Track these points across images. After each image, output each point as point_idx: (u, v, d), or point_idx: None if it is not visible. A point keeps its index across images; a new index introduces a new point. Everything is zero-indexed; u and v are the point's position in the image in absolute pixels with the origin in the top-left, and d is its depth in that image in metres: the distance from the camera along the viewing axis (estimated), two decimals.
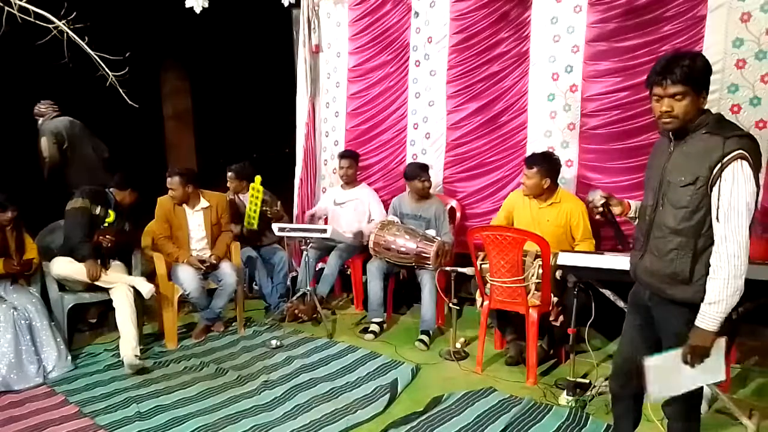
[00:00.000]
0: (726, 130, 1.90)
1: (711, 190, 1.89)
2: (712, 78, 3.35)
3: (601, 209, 2.28)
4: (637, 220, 2.26)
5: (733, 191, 1.85)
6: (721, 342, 1.94)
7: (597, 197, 2.29)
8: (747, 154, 1.86)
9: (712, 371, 1.98)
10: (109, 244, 3.84)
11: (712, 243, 1.91)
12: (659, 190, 2.04)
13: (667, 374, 2.01)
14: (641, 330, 2.19)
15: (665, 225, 2.00)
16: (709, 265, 1.91)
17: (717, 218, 1.88)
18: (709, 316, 1.90)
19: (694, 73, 1.92)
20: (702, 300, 1.92)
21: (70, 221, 3.83)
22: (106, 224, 3.92)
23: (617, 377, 2.32)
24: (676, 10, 3.44)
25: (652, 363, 2.01)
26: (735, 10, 3.26)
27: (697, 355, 1.94)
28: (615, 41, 3.68)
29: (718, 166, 1.86)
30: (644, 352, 2.14)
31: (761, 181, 3.20)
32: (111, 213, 3.95)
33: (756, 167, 1.88)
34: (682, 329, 1.99)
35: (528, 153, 4.05)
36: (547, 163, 3.55)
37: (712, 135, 1.90)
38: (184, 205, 4.20)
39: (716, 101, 3.35)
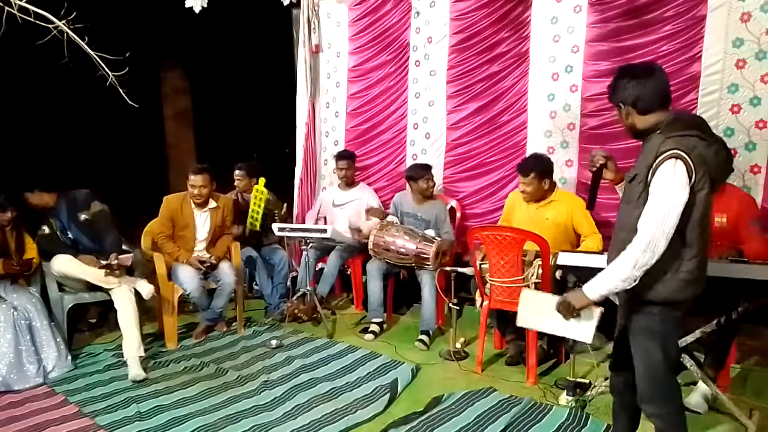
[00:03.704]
0: (672, 131, 1.91)
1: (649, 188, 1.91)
2: (712, 78, 3.40)
3: (596, 166, 2.23)
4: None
5: (660, 190, 1.86)
6: (596, 312, 2.04)
7: (599, 155, 2.25)
8: (683, 154, 1.84)
9: (580, 331, 2.11)
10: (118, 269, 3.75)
11: None
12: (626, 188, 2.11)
13: (536, 309, 2.25)
14: (623, 329, 2.20)
15: (619, 220, 2.08)
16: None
17: (645, 211, 1.89)
18: (596, 284, 1.97)
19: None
20: (643, 296, 1.96)
21: (46, 250, 3.74)
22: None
23: (616, 375, 2.30)
24: (676, 10, 3.45)
25: (526, 294, 2.28)
26: (735, 10, 3.27)
27: (565, 309, 2.05)
28: (615, 41, 3.68)
29: (654, 165, 1.88)
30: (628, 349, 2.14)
31: (761, 182, 3.26)
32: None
33: (697, 169, 1.85)
34: (630, 323, 2.07)
35: (528, 153, 4.04)
36: (540, 165, 3.53)
37: (660, 134, 1.94)
38: (193, 205, 4.13)
39: (716, 101, 3.36)
